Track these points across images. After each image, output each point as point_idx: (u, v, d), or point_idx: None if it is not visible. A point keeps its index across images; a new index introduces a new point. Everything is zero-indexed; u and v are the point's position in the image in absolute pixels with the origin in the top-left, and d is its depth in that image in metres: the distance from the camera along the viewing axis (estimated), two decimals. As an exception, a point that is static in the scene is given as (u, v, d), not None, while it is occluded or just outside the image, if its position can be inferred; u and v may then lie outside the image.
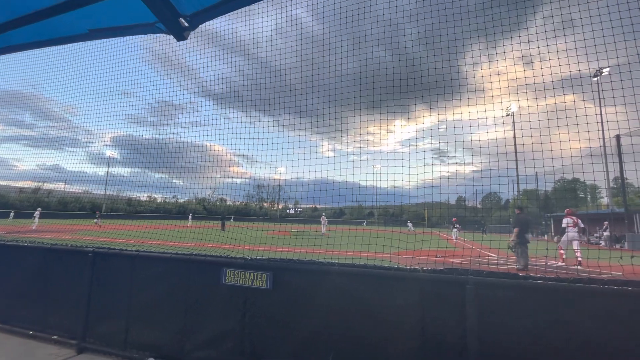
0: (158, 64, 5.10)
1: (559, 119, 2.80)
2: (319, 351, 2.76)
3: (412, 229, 32.65)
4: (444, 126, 3.31)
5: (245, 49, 4.53)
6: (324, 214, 33.03)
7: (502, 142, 3.19)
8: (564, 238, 10.42)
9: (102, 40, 5.44)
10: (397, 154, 3.51)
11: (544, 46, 2.89)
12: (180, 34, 1.71)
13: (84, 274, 3.81)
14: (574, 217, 10.48)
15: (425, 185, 3.28)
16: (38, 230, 18.52)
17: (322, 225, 27.13)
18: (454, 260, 8.41)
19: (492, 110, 3.10)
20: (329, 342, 2.74)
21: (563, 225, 10.57)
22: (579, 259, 9.68)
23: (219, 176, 4.60)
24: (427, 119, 3.58)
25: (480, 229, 33.31)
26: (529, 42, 2.99)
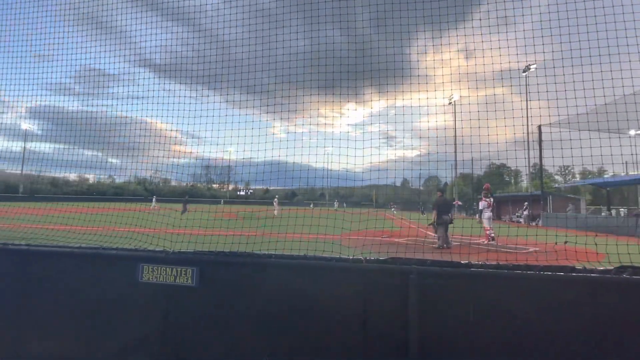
0: (84, 25, 4.45)
1: (492, 110, 3.05)
2: (253, 352, 2.56)
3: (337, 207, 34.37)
4: (393, 111, 3.41)
5: (189, 17, 4.14)
6: (276, 196, 33.08)
7: (444, 129, 3.41)
8: (484, 218, 11.88)
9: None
10: (348, 137, 3.56)
11: (483, 42, 3.09)
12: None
13: None
14: (488, 200, 12.01)
15: (372, 169, 3.41)
16: None
17: (274, 208, 27.27)
18: (399, 240, 9.01)
19: (436, 98, 3.28)
20: (264, 341, 2.56)
21: (480, 208, 12.10)
22: (492, 234, 11.31)
23: (161, 155, 4.24)
24: (376, 103, 3.65)
25: (419, 209, 36.26)
26: (473, 34, 3.18)
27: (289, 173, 3.84)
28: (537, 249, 4.12)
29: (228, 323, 2.64)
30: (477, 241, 11.43)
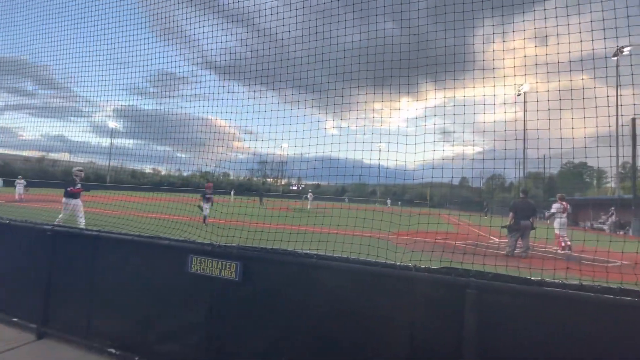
0: (157, 33, 4.93)
1: (569, 101, 2.69)
2: (290, 351, 2.52)
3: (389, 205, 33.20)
4: (451, 105, 3.20)
5: (248, 19, 4.35)
6: (310, 190, 33.20)
7: (511, 123, 3.10)
8: (555, 224, 10.45)
9: (100, 8, 5.24)
10: (402, 133, 3.44)
11: (558, 25, 2.73)
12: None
13: (43, 253, 3.58)
14: (564, 203, 10.49)
15: (427, 166, 3.24)
16: (24, 200, 18.39)
17: (308, 202, 27.97)
18: (456, 243, 8.47)
19: (503, 89, 2.98)
20: (301, 343, 2.50)
21: (553, 211, 10.56)
22: (567, 242, 9.81)
23: (222, 151, 4.55)
24: (432, 96, 3.46)
25: (483, 210, 33.17)
26: (545, 18, 2.82)
27: (341, 170, 3.84)
28: (624, 262, 3.55)
29: (268, 320, 2.62)
30: (550, 249, 10.25)
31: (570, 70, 2.73)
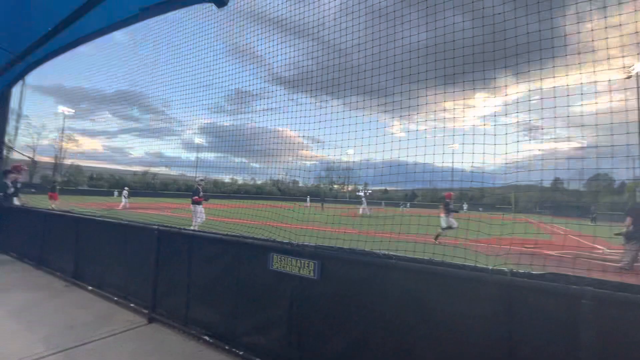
0: (233, 56, 5.44)
1: None
2: (370, 354, 2.44)
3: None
4: (537, 97, 2.83)
5: (312, 32, 4.51)
6: (363, 196, 31.36)
7: (619, 113, 2.59)
8: None
9: (185, 41, 6.03)
10: (479, 132, 3.17)
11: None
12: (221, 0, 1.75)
13: (151, 249, 4.07)
14: None
15: (509, 167, 2.89)
16: (129, 208, 21.53)
17: (362, 206, 26.86)
18: (551, 253, 7.36)
19: (606, 73, 2.52)
20: (380, 347, 2.39)
21: None
22: None
23: (290, 159, 4.76)
24: (513, 89, 3.10)
25: (589, 215, 27.54)
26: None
27: (410, 175, 3.68)
28: None
29: (346, 320, 2.59)
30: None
31: None
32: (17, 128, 8.18)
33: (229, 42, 5.35)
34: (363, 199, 29.04)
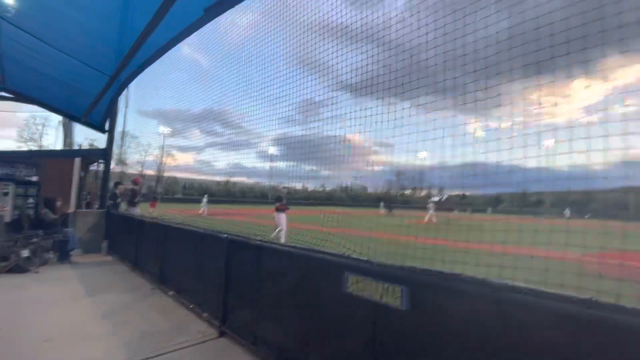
0: (302, 68, 5.71)
1: None
2: None
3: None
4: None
5: (377, 37, 4.47)
6: (432, 202, 28.53)
7: None
8: None
9: (258, 58, 6.56)
10: (578, 125, 2.71)
11: None
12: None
13: (221, 258, 3.92)
14: None
15: (626, 164, 2.37)
16: (209, 214, 23.12)
17: (428, 213, 24.56)
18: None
19: None
20: None
21: None
22: None
23: (359, 165, 4.75)
24: (623, 73, 2.56)
25: None
26: None
27: (491, 177, 3.32)
28: None
29: None
30: None
31: None
32: (127, 146, 9.97)
33: (299, 54, 5.64)
34: (431, 204, 27.07)
